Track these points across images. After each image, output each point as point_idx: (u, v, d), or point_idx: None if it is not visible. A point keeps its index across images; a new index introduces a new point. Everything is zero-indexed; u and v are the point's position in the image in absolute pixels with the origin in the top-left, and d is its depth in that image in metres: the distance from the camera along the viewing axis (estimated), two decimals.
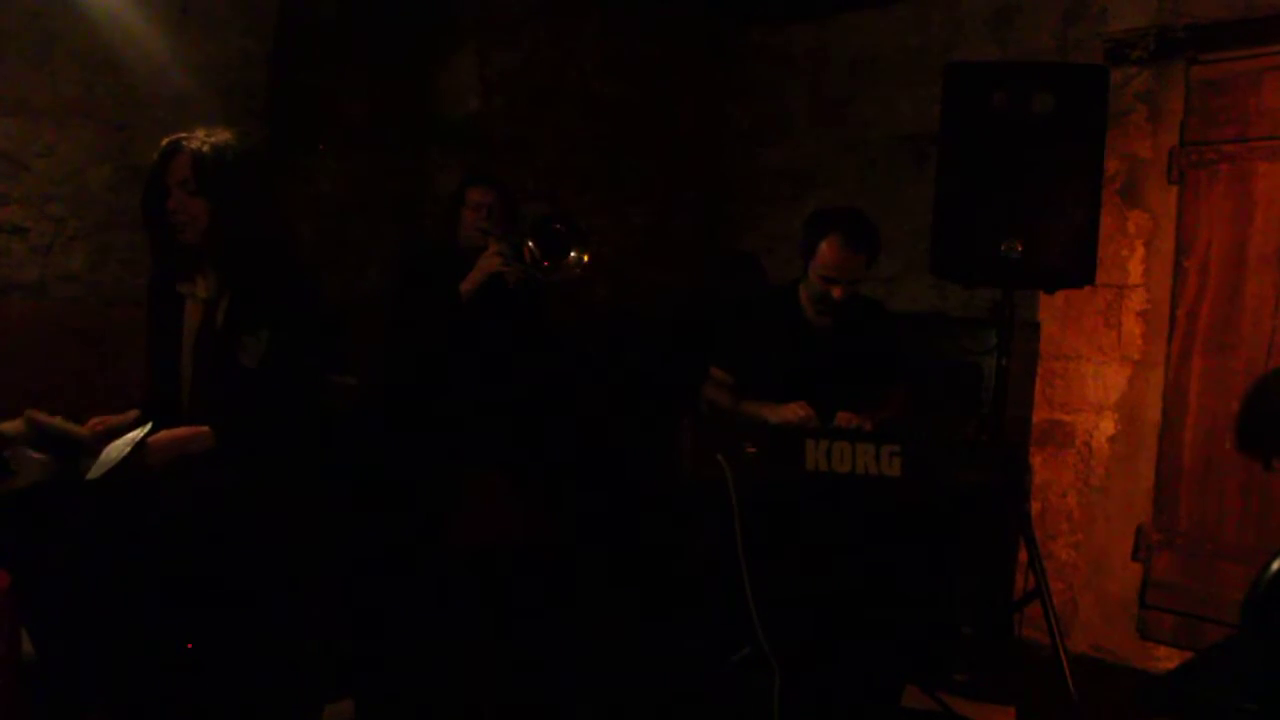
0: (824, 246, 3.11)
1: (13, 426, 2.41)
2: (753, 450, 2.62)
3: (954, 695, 3.08)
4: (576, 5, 4.58)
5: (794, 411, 2.97)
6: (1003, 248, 3.15)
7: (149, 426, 2.30)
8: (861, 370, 3.24)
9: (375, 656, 3.03)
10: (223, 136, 2.44)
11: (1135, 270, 3.79)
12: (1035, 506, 3.93)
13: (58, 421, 2.31)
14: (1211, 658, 2.71)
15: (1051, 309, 3.95)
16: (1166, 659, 3.65)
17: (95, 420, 2.37)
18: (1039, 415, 3.99)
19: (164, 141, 2.43)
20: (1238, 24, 3.50)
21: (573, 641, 3.40)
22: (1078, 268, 3.20)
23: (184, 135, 2.43)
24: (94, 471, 2.21)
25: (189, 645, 2.28)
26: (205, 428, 2.36)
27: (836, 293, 3.13)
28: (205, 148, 2.40)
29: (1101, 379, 3.85)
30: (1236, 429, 3.59)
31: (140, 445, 2.25)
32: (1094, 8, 3.89)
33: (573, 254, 3.38)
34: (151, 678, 2.27)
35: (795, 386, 3.07)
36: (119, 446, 2.25)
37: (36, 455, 2.82)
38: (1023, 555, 3.23)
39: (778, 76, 5.04)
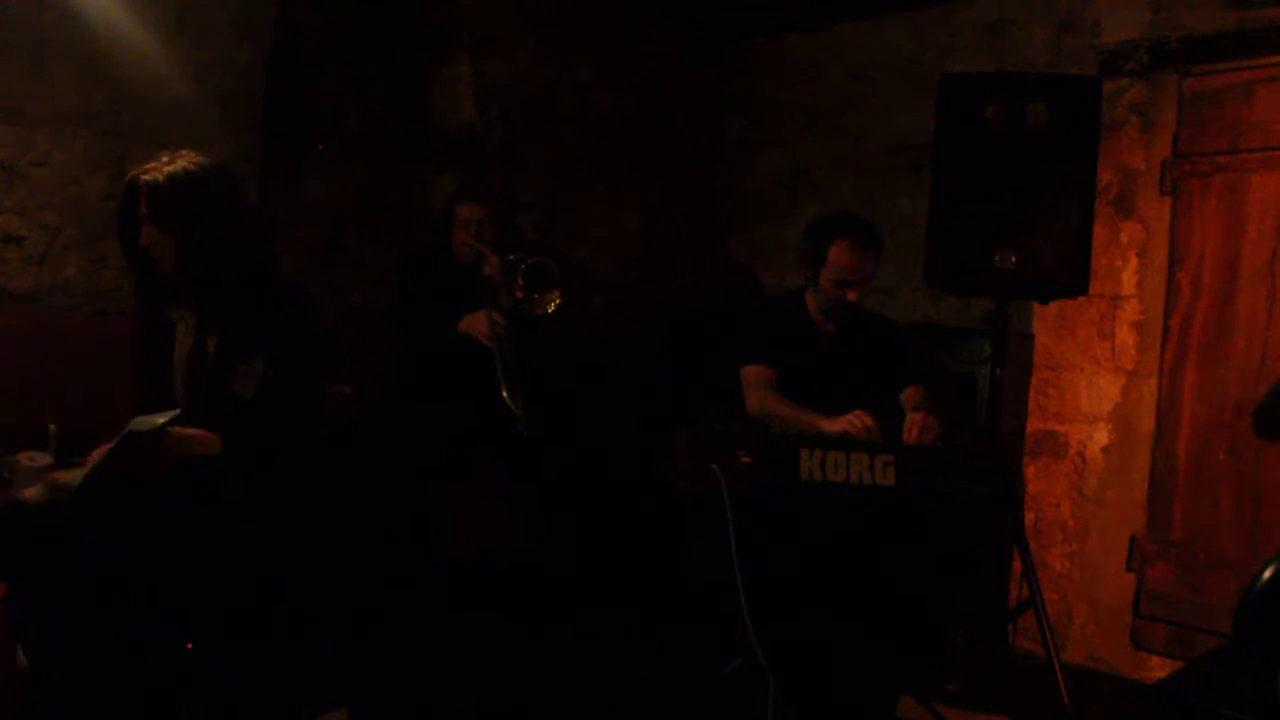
0: (835, 251, 3.12)
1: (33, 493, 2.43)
2: (748, 460, 2.62)
3: (948, 705, 3.08)
4: (572, 17, 4.59)
5: (851, 423, 2.86)
6: (997, 258, 3.16)
7: (178, 411, 2.31)
8: (871, 375, 3.24)
9: (369, 666, 3.02)
10: (179, 164, 2.37)
11: (1129, 281, 3.80)
12: (1029, 517, 3.94)
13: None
14: (1204, 667, 2.71)
15: (1045, 319, 3.96)
16: (1160, 669, 3.65)
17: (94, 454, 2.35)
18: (1033, 425, 3.99)
19: (127, 176, 2.39)
20: (1230, 36, 3.52)
21: (568, 652, 3.39)
22: (1071, 278, 3.20)
23: (140, 169, 2.37)
24: (137, 426, 2.22)
25: (188, 645, 2.28)
26: (215, 435, 2.36)
27: (852, 295, 3.14)
28: (159, 180, 2.33)
29: (1095, 389, 3.86)
30: (1229, 439, 3.61)
31: (171, 423, 2.26)
32: (1087, 20, 3.91)
33: (552, 292, 3.43)
34: (145, 687, 2.27)
35: (808, 392, 3.07)
36: (155, 417, 2.26)
37: (31, 465, 2.83)
38: (1017, 565, 3.23)
39: (773, 87, 5.05)
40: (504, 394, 3.33)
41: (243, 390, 2.40)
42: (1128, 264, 3.80)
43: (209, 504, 2.30)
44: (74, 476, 2.33)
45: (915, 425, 2.94)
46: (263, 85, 3.61)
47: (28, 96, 3.13)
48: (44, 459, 2.90)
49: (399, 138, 4.08)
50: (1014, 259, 3.15)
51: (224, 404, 2.40)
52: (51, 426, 2.98)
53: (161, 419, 2.25)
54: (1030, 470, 3.98)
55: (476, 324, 3.43)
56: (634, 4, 4.78)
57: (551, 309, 3.44)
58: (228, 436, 2.37)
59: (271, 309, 2.46)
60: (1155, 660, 3.70)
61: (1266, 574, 2.29)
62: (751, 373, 3.18)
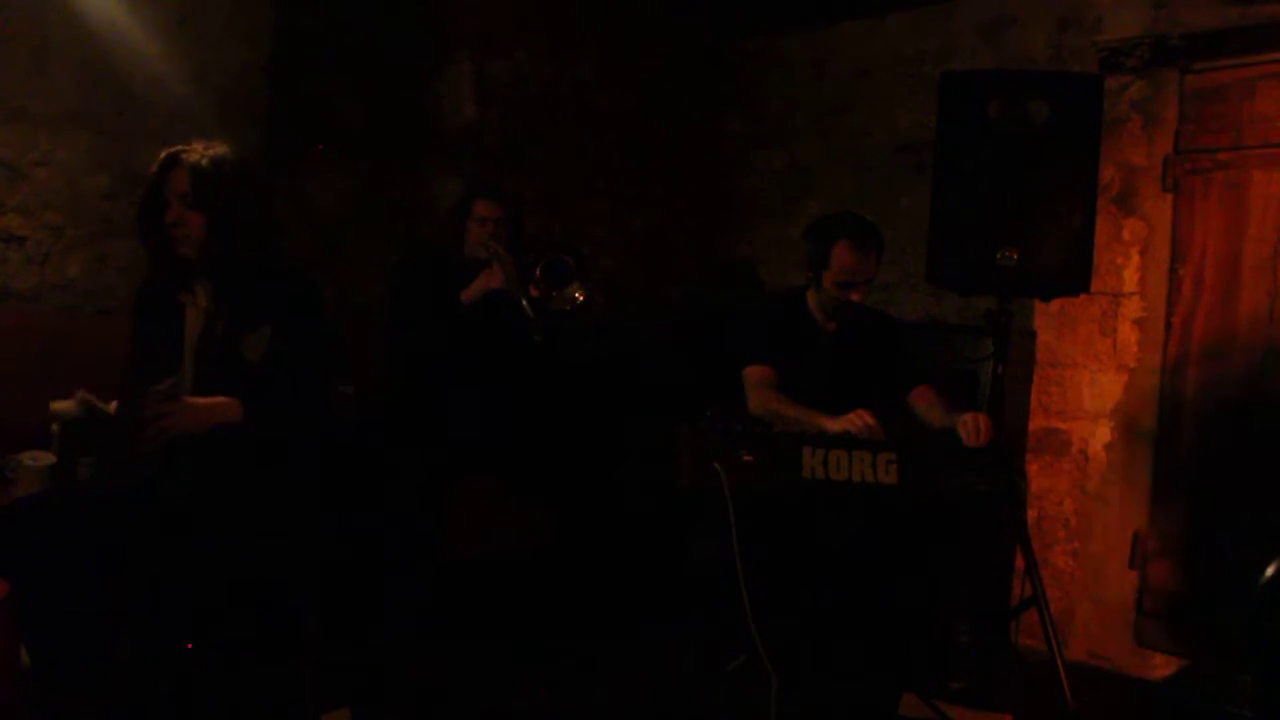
0: (837, 252, 3.11)
1: (66, 406, 2.70)
2: (749, 458, 2.62)
3: (951, 703, 3.08)
4: (573, 15, 4.59)
5: (852, 422, 2.85)
6: (998, 256, 3.16)
7: (176, 377, 2.37)
8: (873, 373, 3.25)
9: (372, 666, 3.02)
10: (220, 150, 2.47)
11: (1131, 278, 3.80)
12: (1032, 514, 3.94)
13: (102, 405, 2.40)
14: (1206, 665, 2.72)
15: (1047, 317, 3.95)
16: (1163, 666, 3.65)
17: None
18: (1035, 423, 3.99)
19: (162, 154, 2.45)
20: (1231, 32, 3.52)
21: (570, 650, 3.39)
22: (1073, 276, 3.21)
23: (182, 149, 2.45)
24: (161, 386, 2.30)
25: (189, 645, 2.29)
26: (235, 400, 2.38)
27: (855, 296, 3.14)
28: (204, 161, 2.42)
29: (1097, 386, 3.86)
30: (1232, 436, 3.61)
31: (174, 386, 2.32)
32: (1088, 16, 3.91)
33: (573, 285, 3.42)
34: (148, 686, 2.27)
35: (810, 392, 3.07)
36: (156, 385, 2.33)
37: (34, 465, 2.84)
38: (1020, 563, 3.23)
39: (775, 86, 5.05)
40: (523, 302, 3.33)
41: (250, 356, 2.45)
42: (1130, 261, 3.80)
43: (211, 502, 2.30)
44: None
45: (980, 426, 2.92)
46: (263, 85, 3.61)
47: (30, 96, 3.13)
48: (47, 458, 2.90)
49: (400, 137, 4.08)
50: (1016, 256, 3.15)
51: (234, 371, 2.43)
52: (54, 426, 2.98)
53: (162, 384, 2.31)
54: (1033, 468, 3.98)
55: (492, 278, 3.40)
56: (635, 2, 4.78)
57: (579, 302, 3.43)
58: (246, 401, 2.40)
59: (276, 280, 2.52)
60: (1158, 658, 3.70)
61: (1270, 571, 2.29)
62: (753, 374, 3.17)
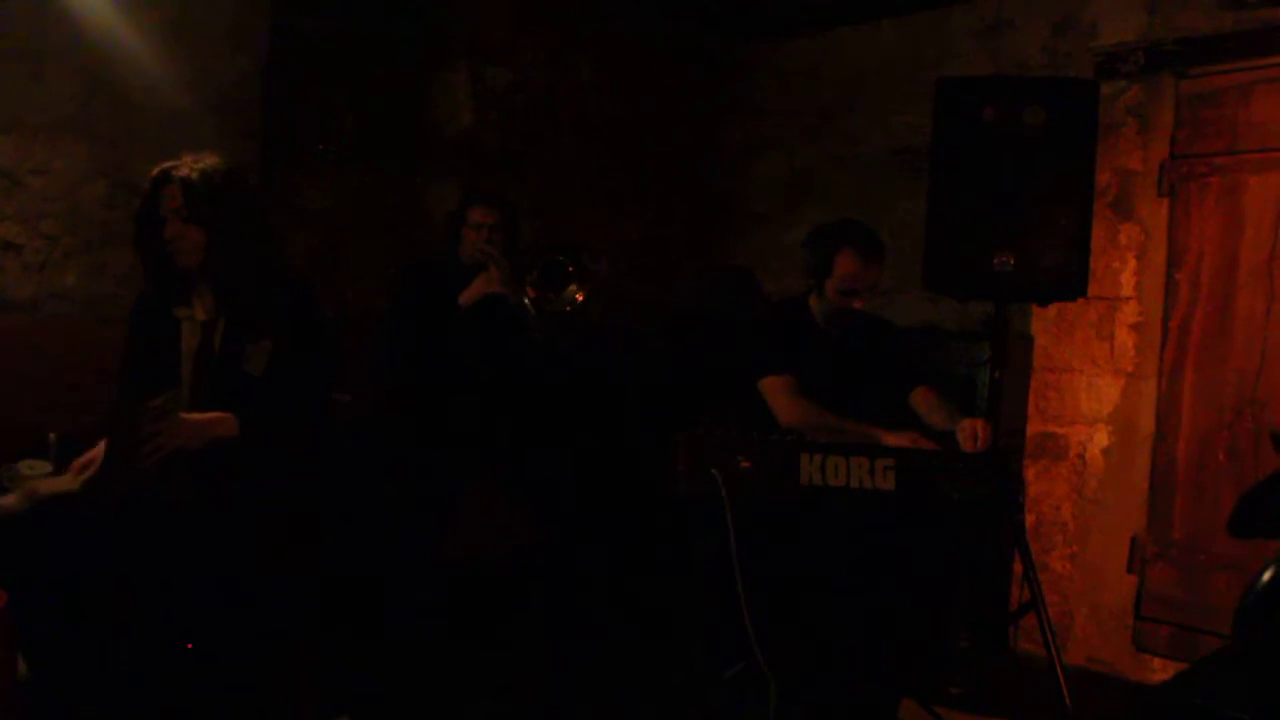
0: (840, 261, 3.12)
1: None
2: (747, 464, 2.62)
3: (950, 708, 3.08)
4: (571, 21, 4.60)
5: (916, 441, 2.90)
6: (995, 261, 3.16)
7: (174, 390, 2.40)
8: (875, 377, 3.25)
9: (371, 672, 3.02)
10: (210, 162, 2.48)
11: (1127, 283, 3.80)
12: (1030, 519, 3.94)
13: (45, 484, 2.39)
14: (1205, 668, 2.71)
15: (1044, 322, 3.96)
16: (1162, 670, 3.66)
17: (77, 462, 2.41)
18: (1033, 428, 4.00)
19: (153, 172, 2.47)
20: (1226, 37, 3.53)
21: (569, 656, 3.39)
22: (1070, 281, 3.21)
23: (171, 164, 2.46)
24: (156, 402, 2.32)
25: (189, 645, 2.29)
26: (230, 414, 2.40)
27: (859, 304, 3.15)
28: (193, 174, 2.43)
29: (1095, 391, 3.87)
30: (1229, 440, 3.61)
31: (170, 399, 2.33)
32: (1084, 22, 3.92)
33: (571, 287, 3.43)
34: (146, 697, 2.27)
35: (815, 398, 3.07)
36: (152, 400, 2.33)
37: (31, 474, 2.83)
38: (1018, 568, 3.23)
39: (772, 91, 5.06)
40: (524, 300, 3.36)
41: (253, 369, 2.46)
42: (1126, 266, 3.80)
43: (209, 507, 2.30)
44: (56, 485, 2.37)
45: (979, 432, 2.94)
46: (260, 93, 3.61)
47: (26, 105, 3.13)
48: (44, 467, 2.90)
49: (397, 144, 4.08)
50: (1012, 261, 3.15)
51: (235, 384, 2.45)
52: (51, 435, 2.98)
53: (158, 400, 2.31)
54: (1030, 472, 3.98)
55: (490, 282, 3.41)
56: (633, 9, 4.79)
57: (579, 303, 3.44)
58: (242, 414, 2.41)
59: (276, 291, 2.53)
60: (1156, 662, 3.70)
61: (1266, 575, 2.29)
62: (775, 384, 3.14)
